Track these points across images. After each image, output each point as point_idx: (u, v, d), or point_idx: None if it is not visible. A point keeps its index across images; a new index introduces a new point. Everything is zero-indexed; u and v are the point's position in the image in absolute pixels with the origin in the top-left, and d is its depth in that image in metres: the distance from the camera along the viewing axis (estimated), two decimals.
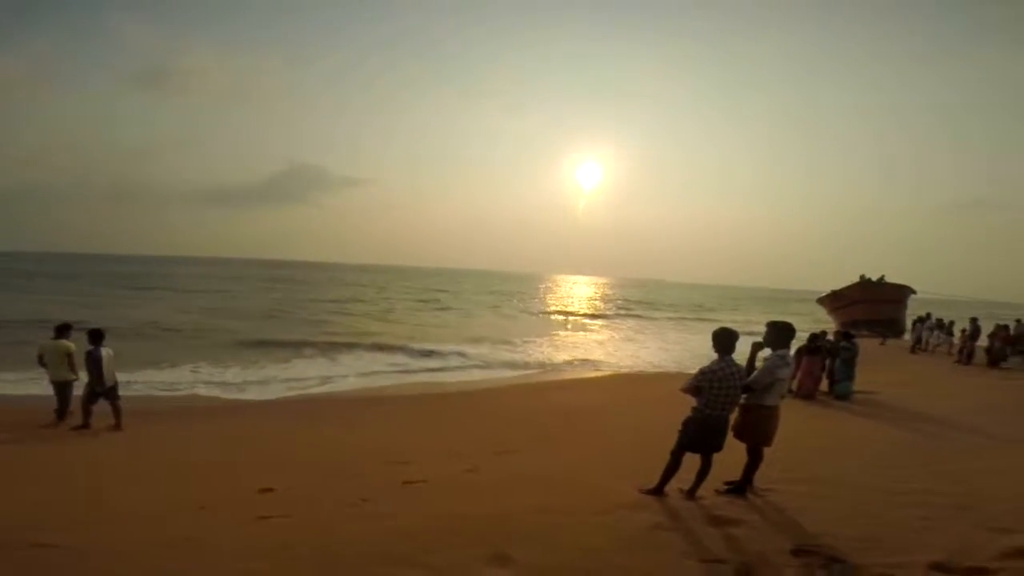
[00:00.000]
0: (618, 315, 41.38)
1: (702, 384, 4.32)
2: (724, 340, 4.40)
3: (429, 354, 17.62)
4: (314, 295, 43.53)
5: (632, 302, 60.58)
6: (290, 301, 34.74)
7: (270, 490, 5.19)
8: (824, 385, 10.59)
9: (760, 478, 4.83)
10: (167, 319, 24.28)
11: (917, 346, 20.71)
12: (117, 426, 7.95)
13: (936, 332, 20.41)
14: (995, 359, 16.17)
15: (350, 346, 18.47)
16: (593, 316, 39.15)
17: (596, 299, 67.13)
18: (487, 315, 36.87)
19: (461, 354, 17.93)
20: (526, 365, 17.03)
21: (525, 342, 21.56)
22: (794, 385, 10.38)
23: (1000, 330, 17.09)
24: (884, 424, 8.10)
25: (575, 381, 13.84)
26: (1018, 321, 18.14)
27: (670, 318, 40.75)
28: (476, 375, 14.81)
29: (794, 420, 8.16)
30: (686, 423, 4.51)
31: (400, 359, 16.84)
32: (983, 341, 17.38)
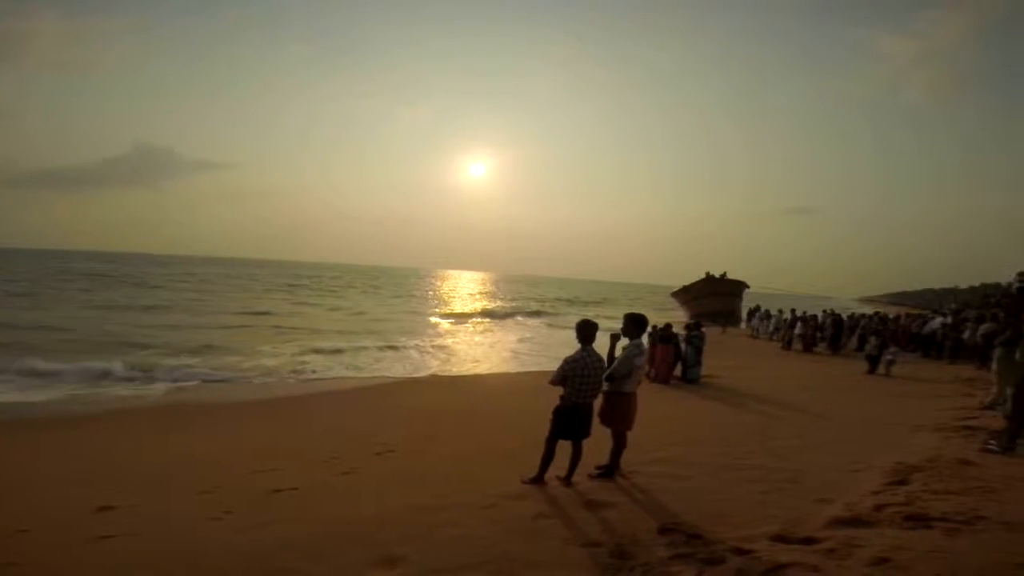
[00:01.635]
0: (499, 310, 41.29)
1: (567, 374, 4.60)
2: (585, 331, 4.72)
3: (296, 352, 16.02)
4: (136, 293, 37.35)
5: (517, 297, 60.54)
6: (107, 301, 28.86)
7: (109, 508, 4.57)
8: (678, 370, 11.72)
9: (625, 461, 5.22)
10: None
11: (753, 334, 23.94)
12: None
13: (765, 321, 23.76)
14: (808, 345, 19.23)
15: (204, 348, 16.29)
16: (473, 312, 38.27)
17: (478, 294, 66.87)
18: (361, 309, 34.67)
19: (332, 351, 16.70)
20: (401, 362, 16.08)
21: (400, 338, 20.37)
22: (652, 372, 11.43)
23: (812, 320, 20.32)
24: (726, 406, 9.20)
25: (453, 378, 13.46)
26: (824, 312, 21.73)
27: (548, 312, 41.17)
28: (348, 374, 13.75)
29: (652, 404, 8.95)
30: (556, 412, 4.76)
31: (256, 360, 14.66)
32: (800, 329, 20.52)
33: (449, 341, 21.96)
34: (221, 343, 16.80)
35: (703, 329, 12.42)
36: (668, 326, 12.18)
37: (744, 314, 30.94)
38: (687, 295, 39.66)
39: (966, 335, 16.53)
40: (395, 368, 14.75)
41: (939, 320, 19.69)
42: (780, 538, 3.47)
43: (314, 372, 13.29)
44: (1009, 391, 5.75)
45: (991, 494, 3.92)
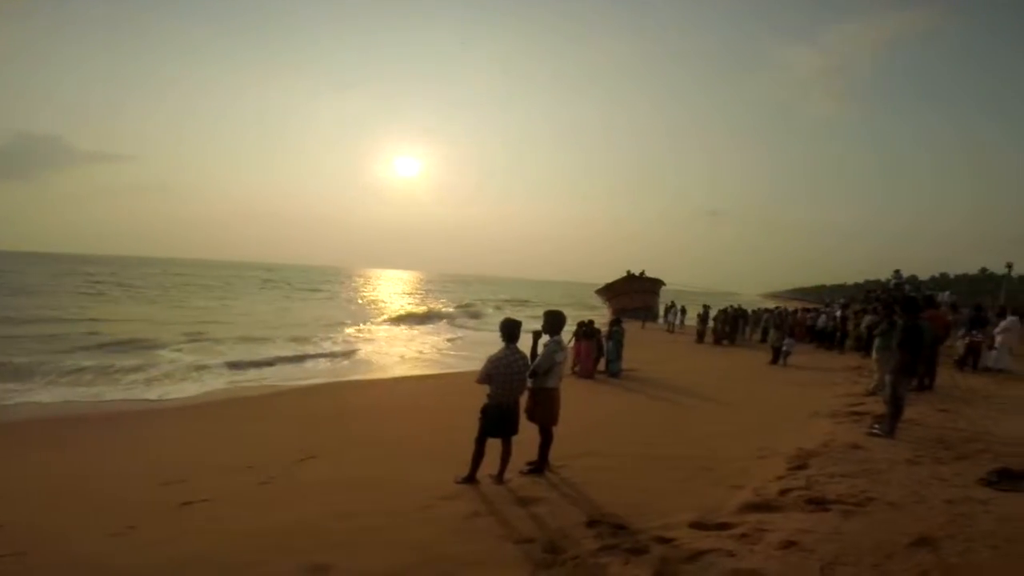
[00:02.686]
0: (427, 310, 40.41)
1: (492, 373, 4.64)
2: (509, 330, 4.81)
3: (196, 359, 14.40)
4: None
5: (446, 297, 59.45)
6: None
7: None
8: (601, 365, 12.15)
9: (554, 455, 5.35)
10: None
11: (670, 328, 25.27)
12: None
13: (680, 316, 25.19)
14: (718, 338, 20.62)
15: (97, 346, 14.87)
16: (399, 312, 37.03)
17: (405, 294, 65.20)
18: (273, 310, 32.46)
19: (240, 355, 15.23)
20: (320, 366, 15.05)
21: (318, 341, 19.20)
22: (577, 367, 11.78)
23: (721, 314, 21.78)
24: (646, 398, 9.65)
25: (378, 381, 12.78)
26: (730, 306, 23.38)
27: (476, 311, 40.54)
28: (265, 375, 12.92)
29: (577, 399, 9.23)
30: (484, 411, 4.80)
31: (159, 363, 13.44)
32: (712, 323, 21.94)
33: (372, 343, 20.82)
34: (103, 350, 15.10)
35: (623, 325, 12.95)
36: (590, 322, 12.55)
37: (661, 310, 32.66)
38: (610, 292, 41.33)
39: (850, 327, 18.36)
40: (313, 372, 13.79)
41: (830, 313, 21.75)
42: (698, 525, 3.68)
43: (227, 379, 12.24)
44: (888, 378, 6.37)
45: (877, 476, 4.38)
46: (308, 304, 39.51)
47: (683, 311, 26.82)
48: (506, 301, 54.80)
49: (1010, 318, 13.11)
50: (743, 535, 3.39)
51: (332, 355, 16.64)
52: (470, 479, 4.80)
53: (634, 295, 37.21)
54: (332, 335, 21.32)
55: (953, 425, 6.47)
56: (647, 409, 8.57)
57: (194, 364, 13.29)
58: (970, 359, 12.01)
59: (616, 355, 12.11)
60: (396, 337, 23.26)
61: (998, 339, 12.35)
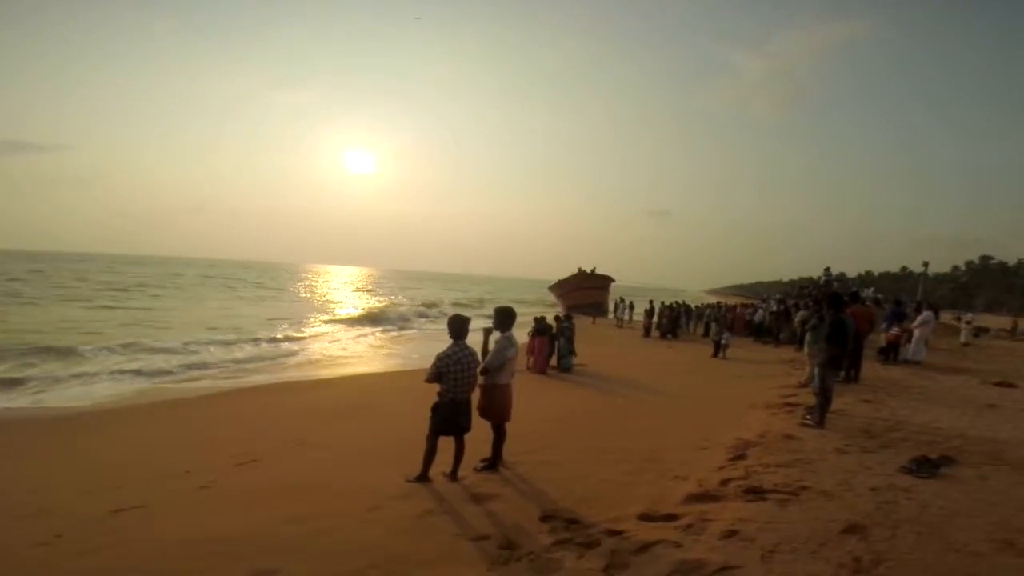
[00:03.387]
0: (377, 306, 39.43)
1: (441, 370, 4.62)
2: (457, 326, 4.80)
3: (124, 357, 13.60)
4: None
5: (397, 294, 57.99)
6: None
7: None
8: (553, 360, 12.31)
9: (508, 452, 5.40)
10: None
11: (619, 323, 25.92)
12: None
13: (629, 312, 25.88)
14: (664, 332, 21.32)
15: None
16: (348, 309, 35.78)
17: (355, 290, 63.55)
18: (214, 307, 30.78)
19: (179, 351, 14.64)
20: (261, 365, 14.35)
21: (260, 339, 18.36)
22: (530, 363, 11.90)
23: (667, 310, 22.52)
24: (596, 392, 9.87)
25: (324, 380, 12.24)
26: (674, 302, 24.23)
27: (428, 308, 39.57)
28: (203, 376, 12.23)
29: (531, 394, 9.34)
30: (434, 409, 4.78)
31: (86, 367, 12.36)
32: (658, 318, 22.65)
33: (318, 341, 20.12)
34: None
35: (573, 320, 13.17)
36: (543, 319, 12.69)
37: (612, 306, 33.53)
38: (562, 289, 42.15)
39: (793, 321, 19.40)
40: (255, 373, 13.07)
41: (765, 308, 22.91)
42: (646, 516, 3.82)
43: (161, 382, 11.53)
44: (817, 371, 6.77)
45: (809, 465, 4.67)
46: (252, 302, 37.50)
47: (631, 307, 27.63)
48: (479, 299, 53.19)
49: (926, 312, 14.25)
50: (688, 525, 3.54)
51: (275, 355, 15.87)
52: (422, 478, 4.78)
53: (585, 292, 38.17)
54: (276, 334, 20.26)
55: (877, 415, 6.96)
56: (597, 403, 8.76)
57: (125, 367, 12.44)
58: (891, 352, 12.95)
59: (568, 350, 12.31)
60: (343, 335, 22.56)
61: (916, 332, 13.40)
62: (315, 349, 17.85)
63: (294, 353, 16.58)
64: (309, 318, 28.04)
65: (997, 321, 35.28)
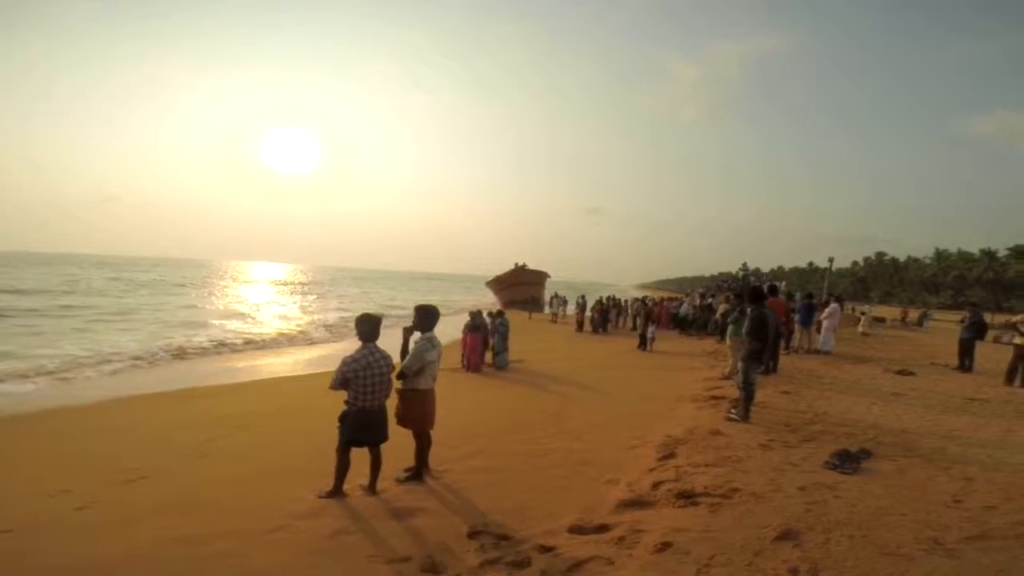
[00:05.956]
0: (294, 304, 37.20)
1: (348, 376, 4.19)
2: (366, 327, 4.35)
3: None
4: None
5: (319, 291, 55.22)
6: None
7: None
8: (488, 358, 12.06)
9: (436, 458, 5.09)
10: None
11: (553, 318, 26.10)
12: None
13: (562, 307, 26.15)
14: (595, 326, 21.63)
15: None
16: (259, 308, 32.73)
17: (273, 287, 60.20)
18: (105, 309, 26.74)
19: (60, 357, 12.84)
20: (158, 368, 12.89)
21: (153, 340, 16.50)
22: (464, 361, 11.58)
23: (597, 304, 22.89)
24: (531, 389, 9.70)
25: (225, 386, 10.86)
26: (605, 297, 24.72)
27: (347, 306, 36.88)
28: (82, 383, 10.76)
29: (463, 394, 9.02)
30: (343, 418, 4.37)
31: None
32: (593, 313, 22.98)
33: (225, 340, 17.88)
34: None
35: (506, 316, 12.93)
36: (478, 313, 12.38)
37: (547, 300, 33.93)
38: (499, 284, 42.18)
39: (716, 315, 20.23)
40: (145, 379, 11.50)
41: (689, 302, 23.84)
42: (577, 529, 3.64)
43: (32, 390, 9.98)
44: (740, 365, 6.90)
45: (738, 464, 4.68)
46: (148, 302, 33.14)
47: (564, 301, 27.99)
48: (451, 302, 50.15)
49: (832, 304, 15.26)
50: (620, 538, 3.38)
51: (170, 359, 14.12)
52: (335, 493, 4.37)
53: (522, 287, 38.50)
54: (172, 335, 18.10)
55: (796, 407, 7.22)
56: (531, 402, 8.59)
57: None
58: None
59: (502, 347, 12.07)
60: (254, 334, 20.39)
61: (824, 323, 14.28)
62: (215, 349, 16.08)
63: (186, 355, 14.72)
64: (207, 315, 25.85)
65: (890, 312, 38.74)
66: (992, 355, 14.05)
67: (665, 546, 3.11)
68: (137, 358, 13.61)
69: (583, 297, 24.07)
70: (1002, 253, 79.15)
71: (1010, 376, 10.18)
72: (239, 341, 17.85)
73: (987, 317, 17.68)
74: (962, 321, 12.54)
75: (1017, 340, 10.37)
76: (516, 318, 14.18)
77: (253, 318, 26.79)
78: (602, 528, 3.58)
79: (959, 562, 2.97)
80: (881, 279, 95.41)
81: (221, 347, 16.49)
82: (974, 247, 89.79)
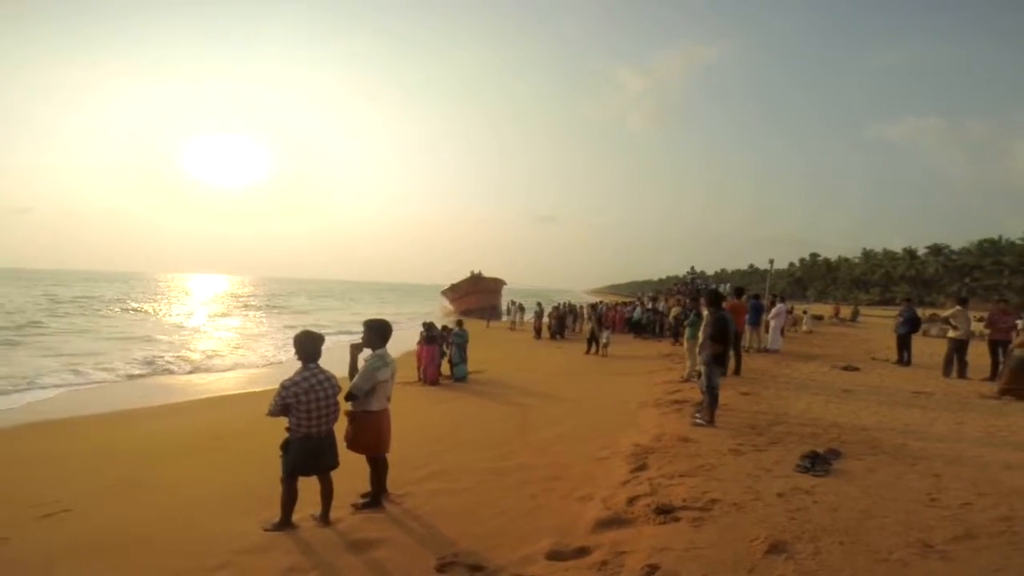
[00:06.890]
0: (235, 317, 35.17)
1: (288, 401, 3.80)
2: (306, 346, 3.96)
3: None
4: None
5: (263, 304, 52.58)
6: None
7: None
8: (446, 369, 11.67)
9: (396, 481, 4.74)
10: None
11: (511, 326, 25.93)
12: None
13: (519, 314, 26.04)
14: (553, 333, 21.59)
15: None
16: (197, 321, 31.26)
17: (211, 301, 57.23)
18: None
19: None
20: (82, 390, 11.64)
21: (77, 358, 15.18)
22: (421, 374, 11.15)
23: (554, 311, 22.88)
24: (491, 401, 9.41)
25: (172, 406, 10.06)
26: (560, 303, 24.79)
27: (295, 321, 34.74)
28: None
29: (421, 409, 8.62)
30: (285, 447, 3.99)
31: None
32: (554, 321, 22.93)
33: (164, 357, 16.57)
34: None
35: (464, 327, 12.49)
36: (432, 324, 11.97)
37: (505, 308, 33.76)
38: (455, 293, 41.66)
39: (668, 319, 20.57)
40: (69, 402, 10.34)
41: (641, 307, 24.21)
42: (556, 554, 3.40)
43: None
44: (703, 369, 6.88)
45: (712, 472, 4.57)
46: (66, 319, 30.12)
47: (522, 309, 27.94)
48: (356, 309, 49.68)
49: (779, 305, 15.79)
50: (603, 563, 3.16)
51: (94, 380, 12.74)
52: (284, 525, 3.97)
53: (479, 295, 38.11)
54: (95, 355, 16.42)
55: (757, 408, 7.27)
56: (493, 415, 8.29)
57: None
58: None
59: (460, 358, 11.69)
60: (190, 351, 18.76)
61: (772, 323, 14.74)
62: (148, 368, 14.62)
63: (117, 374, 13.47)
64: (138, 329, 24.03)
65: (824, 309, 40.78)
66: (925, 349, 14.87)
67: (652, 568, 2.92)
68: (66, 380, 12.41)
69: (540, 304, 24.06)
70: (921, 252, 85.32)
71: (947, 368, 10.73)
72: (179, 358, 16.65)
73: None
74: (899, 316, 13.18)
75: (951, 334, 10.96)
76: (474, 326, 13.85)
77: (195, 333, 25.21)
78: (582, 551, 3.35)
79: (954, 565, 2.92)
80: (816, 279, 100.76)
81: (156, 365, 15.31)
82: (896, 246, 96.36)
